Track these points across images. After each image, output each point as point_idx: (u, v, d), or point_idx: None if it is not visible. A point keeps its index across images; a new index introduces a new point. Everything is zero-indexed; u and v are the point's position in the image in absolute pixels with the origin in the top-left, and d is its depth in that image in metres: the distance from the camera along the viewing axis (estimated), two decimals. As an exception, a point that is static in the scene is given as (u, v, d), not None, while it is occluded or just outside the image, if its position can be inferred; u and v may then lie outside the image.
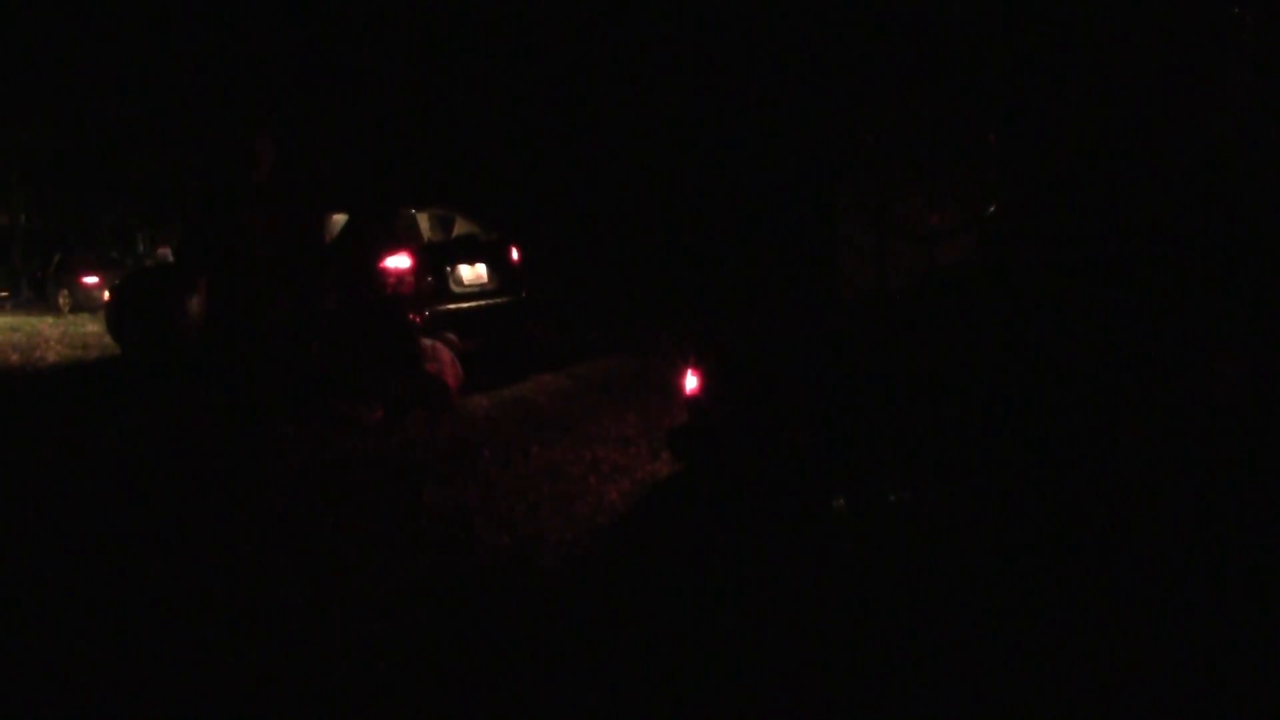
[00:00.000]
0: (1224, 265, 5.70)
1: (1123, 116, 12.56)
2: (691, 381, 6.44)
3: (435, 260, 10.55)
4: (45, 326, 18.53)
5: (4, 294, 27.29)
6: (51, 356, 13.91)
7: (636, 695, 3.95)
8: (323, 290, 10.23)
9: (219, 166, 5.64)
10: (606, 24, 19.07)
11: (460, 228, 11.72)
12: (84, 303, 23.24)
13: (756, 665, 4.12)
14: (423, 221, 11.55)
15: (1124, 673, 3.95)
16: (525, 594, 4.99)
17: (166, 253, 11.84)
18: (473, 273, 10.94)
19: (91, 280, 23.50)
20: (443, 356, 9.56)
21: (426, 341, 9.53)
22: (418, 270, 10.08)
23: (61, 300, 24.14)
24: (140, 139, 25.92)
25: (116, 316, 13.21)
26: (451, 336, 9.87)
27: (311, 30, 19.89)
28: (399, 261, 9.96)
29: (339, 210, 10.76)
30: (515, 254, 11.60)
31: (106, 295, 14.36)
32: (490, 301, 11.09)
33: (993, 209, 13.53)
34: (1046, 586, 4.69)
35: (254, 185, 5.54)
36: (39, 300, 25.96)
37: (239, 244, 5.47)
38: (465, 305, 10.72)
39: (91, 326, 18.10)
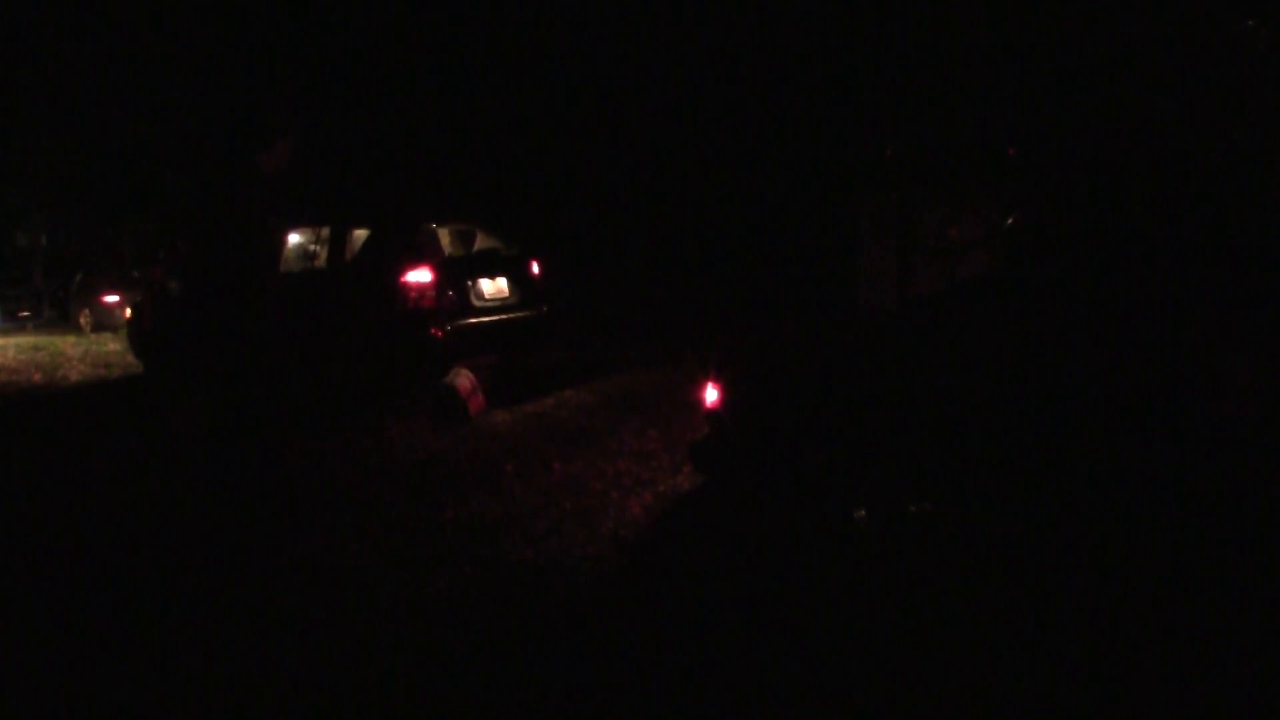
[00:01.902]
0: (1244, 276, 5.68)
1: (1140, 129, 12.54)
2: (712, 395, 6.44)
3: (456, 275, 10.58)
4: (67, 346, 18.65)
5: (26, 314, 27.46)
6: (74, 376, 14.00)
7: (660, 708, 3.94)
8: (338, 305, 10.28)
9: (225, 153, 5.57)
10: (632, 40, 19.13)
11: (481, 242, 11.75)
12: (105, 322, 23.35)
13: (779, 677, 4.11)
14: (444, 236, 11.59)
15: (1149, 685, 3.93)
16: (549, 608, 4.99)
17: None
18: (494, 287, 10.96)
19: (112, 299, 23.59)
20: (464, 383, 9.66)
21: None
22: (439, 285, 10.11)
23: (83, 320, 24.27)
24: (160, 157, 26.08)
25: (138, 335, 13.31)
26: (467, 374, 9.91)
27: (333, 43, 20.04)
28: (420, 276, 9.99)
29: (361, 226, 10.80)
30: (536, 268, 11.63)
31: (127, 314, 14.44)
32: (511, 315, 11.11)
33: (1011, 221, 13.49)
34: (1070, 598, 4.67)
35: (263, 181, 5.52)
36: (61, 320, 26.13)
37: (241, 244, 5.43)
38: (486, 319, 10.74)
39: (113, 345, 18.22)
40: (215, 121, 20.77)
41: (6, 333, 23.74)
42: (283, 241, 10.59)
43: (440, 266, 10.38)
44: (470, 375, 9.85)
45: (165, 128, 23.65)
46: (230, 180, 5.60)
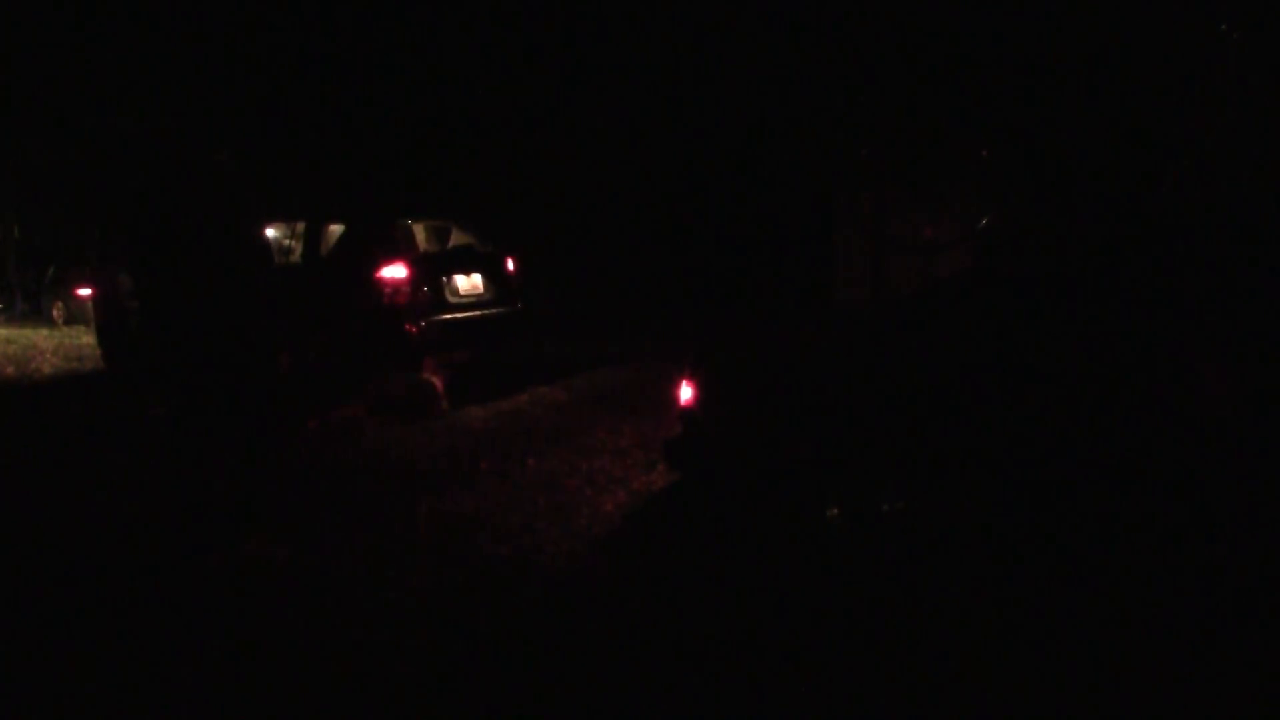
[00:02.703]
0: (1215, 274, 5.74)
1: (1114, 129, 12.63)
2: (686, 393, 6.46)
3: (431, 271, 10.55)
4: (40, 339, 18.53)
5: (-1, 306, 27.25)
6: (47, 369, 13.91)
7: (634, 704, 3.97)
8: (295, 301, 10.25)
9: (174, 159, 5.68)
10: (608, 34, 19.11)
11: (456, 238, 11.74)
12: (78, 315, 23.14)
13: (752, 673, 4.14)
14: (419, 232, 11.57)
15: (1118, 679, 3.98)
16: (524, 604, 5.01)
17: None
18: (469, 283, 10.95)
19: (85, 292, 23.36)
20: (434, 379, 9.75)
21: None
22: (414, 281, 10.09)
23: (56, 313, 24.06)
24: (134, 151, 25.87)
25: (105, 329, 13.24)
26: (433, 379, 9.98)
27: (308, 39, 19.96)
28: (395, 272, 9.97)
29: (335, 221, 10.77)
30: (511, 265, 11.62)
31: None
32: (486, 312, 11.10)
33: (986, 221, 13.59)
34: (1040, 595, 4.71)
35: (210, 182, 5.58)
36: (34, 313, 25.90)
37: (192, 245, 5.48)
38: (461, 316, 10.73)
39: (86, 339, 18.09)
40: (170, 118, 20.73)
41: (-22, 326, 23.56)
42: (262, 236, 10.56)
43: (415, 262, 10.36)
44: (438, 373, 9.92)
45: (128, 121, 23.48)
46: (185, 174, 5.62)
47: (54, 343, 17.62)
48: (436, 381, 9.86)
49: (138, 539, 6.15)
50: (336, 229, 10.72)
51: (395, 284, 9.94)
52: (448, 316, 10.56)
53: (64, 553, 5.91)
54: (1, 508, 6.97)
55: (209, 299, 5.64)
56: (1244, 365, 5.08)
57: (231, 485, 7.34)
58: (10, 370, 13.71)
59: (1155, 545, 4.85)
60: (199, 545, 5.93)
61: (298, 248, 10.68)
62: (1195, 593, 4.59)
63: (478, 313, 11.00)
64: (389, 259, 10.07)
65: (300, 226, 10.78)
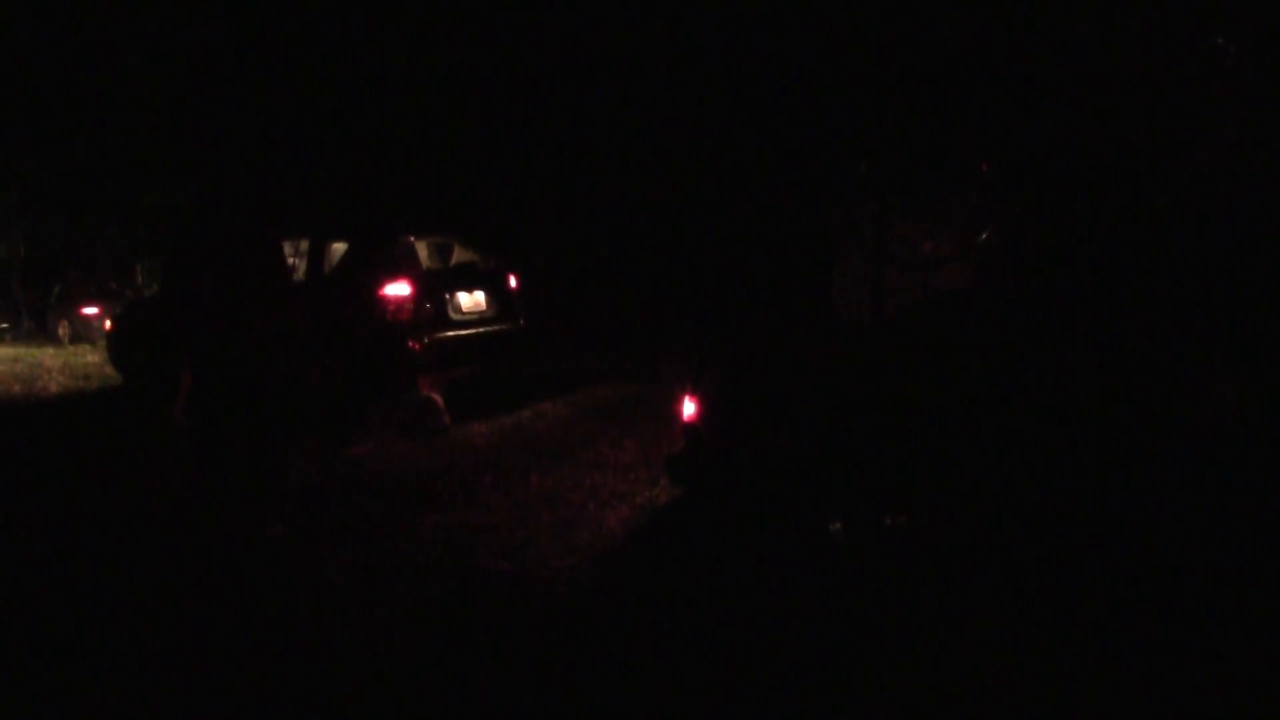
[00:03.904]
0: (1214, 288, 5.78)
1: (1113, 145, 12.67)
2: (689, 408, 6.49)
3: (434, 288, 10.61)
4: (46, 357, 18.57)
5: (4, 325, 27.28)
6: (54, 387, 13.95)
7: (637, 717, 4.00)
8: (315, 316, 10.29)
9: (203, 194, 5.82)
10: (609, 49, 19.17)
11: (458, 255, 11.79)
12: (84, 333, 23.20)
13: (755, 689, 4.17)
14: (421, 249, 11.61)
15: (1117, 693, 4.01)
16: (527, 619, 5.04)
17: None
18: (471, 300, 11.01)
19: (91, 311, 23.43)
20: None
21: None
22: (417, 298, 10.14)
23: (62, 331, 24.11)
24: (140, 171, 25.94)
25: (117, 346, 13.29)
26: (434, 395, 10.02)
27: (309, 56, 20.04)
28: (398, 289, 10.03)
29: (339, 239, 10.82)
30: (513, 281, 11.67)
31: (107, 325, 14.40)
32: (488, 329, 11.15)
33: (985, 236, 13.63)
34: (1041, 610, 4.75)
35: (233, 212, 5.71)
36: (39, 331, 25.95)
37: (223, 270, 5.59)
38: (464, 332, 10.78)
39: (92, 357, 18.16)
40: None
41: (-15, 344, 23.61)
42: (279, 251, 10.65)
43: (418, 280, 10.41)
44: (437, 389, 9.98)
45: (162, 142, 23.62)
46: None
47: (60, 361, 17.67)
48: (438, 397, 9.92)
49: (144, 547, 6.19)
50: (340, 246, 10.78)
51: (398, 301, 10.00)
52: (450, 333, 10.61)
53: (67, 559, 5.94)
54: (9, 517, 7.02)
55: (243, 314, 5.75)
56: (1248, 380, 5.12)
57: (238, 498, 7.37)
58: (17, 388, 13.76)
59: (1157, 559, 4.89)
60: (204, 555, 5.96)
61: (301, 265, 10.73)
62: (1197, 607, 4.62)
63: (480, 329, 11.05)
64: (392, 276, 10.13)
65: (304, 244, 10.83)
